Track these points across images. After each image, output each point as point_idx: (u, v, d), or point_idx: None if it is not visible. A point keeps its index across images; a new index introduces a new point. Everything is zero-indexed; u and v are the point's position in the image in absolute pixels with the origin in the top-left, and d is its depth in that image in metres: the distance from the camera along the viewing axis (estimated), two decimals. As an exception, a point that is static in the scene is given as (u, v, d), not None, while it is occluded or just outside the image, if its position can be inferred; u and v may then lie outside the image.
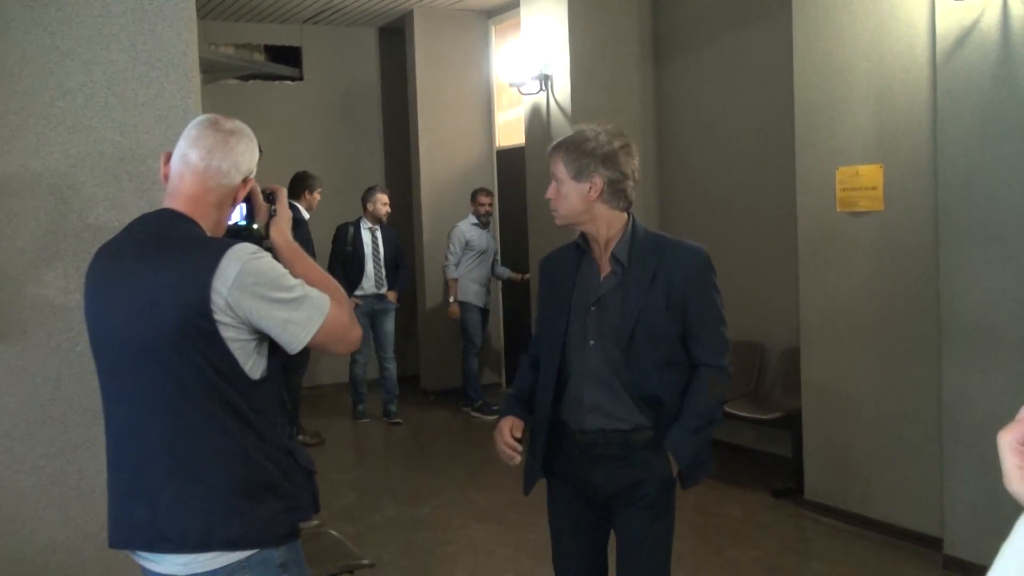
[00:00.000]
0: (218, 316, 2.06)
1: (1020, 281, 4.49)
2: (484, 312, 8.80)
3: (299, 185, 7.63)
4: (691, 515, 5.82)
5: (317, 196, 7.71)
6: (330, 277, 2.35)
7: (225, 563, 2.14)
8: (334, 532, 4.26)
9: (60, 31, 3.00)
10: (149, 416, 2.14)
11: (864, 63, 5.30)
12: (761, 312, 6.88)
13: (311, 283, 2.21)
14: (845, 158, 5.43)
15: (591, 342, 2.83)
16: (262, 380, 2.17)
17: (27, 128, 2.98)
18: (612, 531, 2.98)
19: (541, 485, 3.03)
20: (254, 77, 9.74)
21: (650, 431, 2.85)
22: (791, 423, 6.07)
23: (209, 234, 2.22)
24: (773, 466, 6.61)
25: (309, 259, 2.38)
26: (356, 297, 8.20)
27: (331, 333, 2.18)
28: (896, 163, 5.19)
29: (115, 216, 3.01)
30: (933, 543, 5.04)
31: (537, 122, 7.81)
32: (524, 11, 8.02)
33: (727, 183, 7.17)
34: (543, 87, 7.64)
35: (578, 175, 2.80)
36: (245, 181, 2.27)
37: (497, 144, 9.92)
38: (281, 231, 2.39)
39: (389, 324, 8.50)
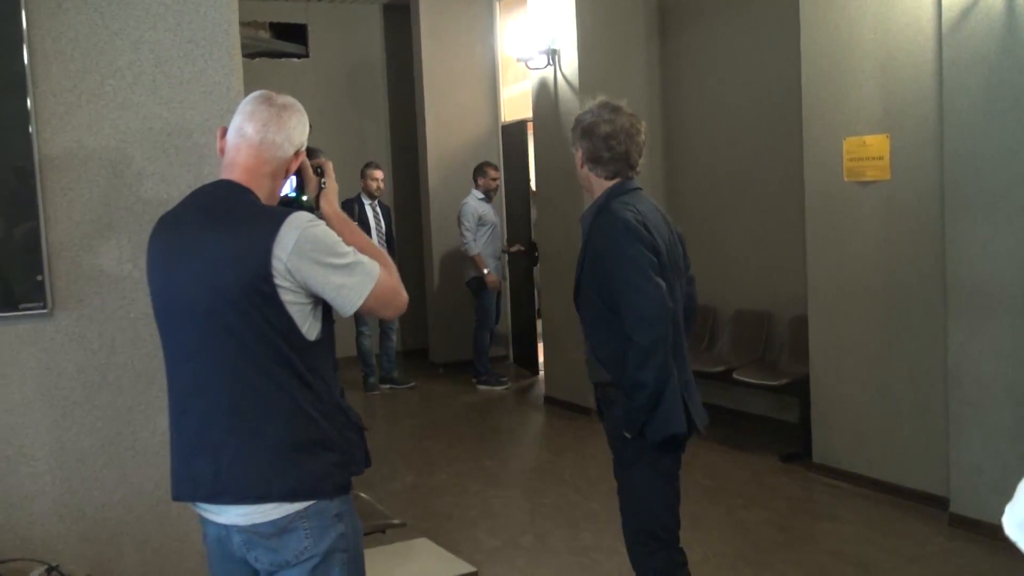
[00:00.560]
0: (278, 280, 2.15)
1: (1024, 246, 4.63)
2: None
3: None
4: (701, 479, 5.99)
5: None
6: (377, 246, 2.43)
7: (284, 514, 2.23)
8: (363, 495, 4.42)
9: (109, 12, 3.13)
10: (212, 375, 2.23)
11: (870, 34, 5.41)
12: (769, 281, 7.00)
13: (361, 251, 2.29)
14: (852, 128, 5.54)
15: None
16: (317, 341, 2.25)
17: (80, 106, 3.11)
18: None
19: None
20: (260, 55, 9.78)
21: (613, 387, 3.12)
22: (799, 389, 6.20)
23: (265, 204, 2.30)
24: (782, 431, 6.75)
25: (358, 229, 2.46)
26: None
27: (381, 298, 2.27)
28: (902, 133, 5.30)
29: (164, 189, 3.15)
30: (939, 502, 5.20)
31: (545, 96, 7.91)
32: (530, -14, 8.08)
33: (735, 154, 7.25)
34: (550, 61, 7.72)
35: (573, 146, 3.27)
36: (297, 154, 2.35)
37: (502, 119, 9.98)
38: (330, 202, 2.46)
39: None
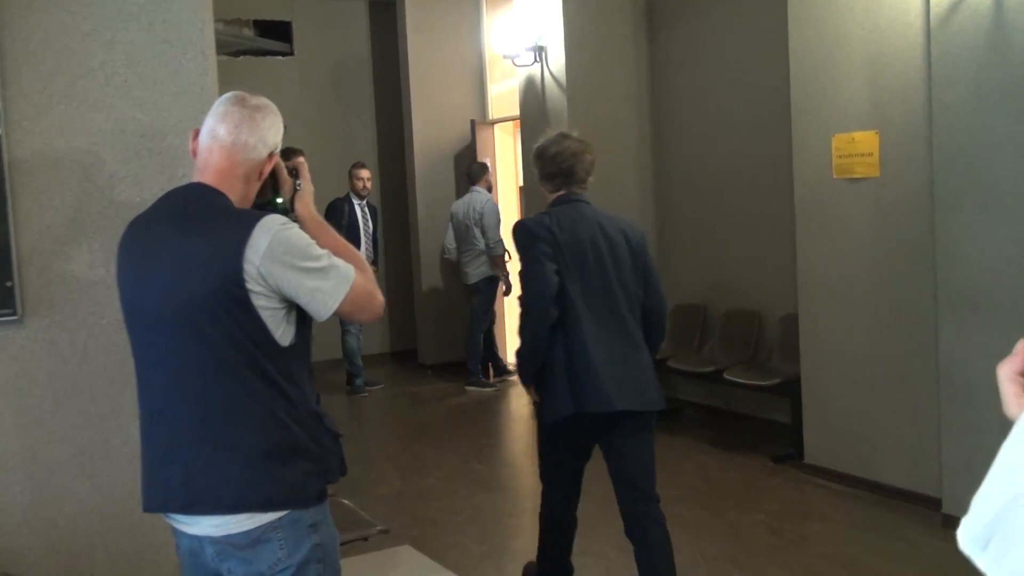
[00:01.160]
0: (250, 285, 2.14)
1: (1014, 244, 4.62)
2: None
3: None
4: (692, 480, 5.98)
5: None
6: (352, 248, 2.43)
7: (257, 524, 2.23)
8: (346, 501, 4.39)
9: (81, 11, 3.10)
10: (184, 382, 2.22)
11: (859, 30, 5.40)
12: (759, 279, 7.00)
13: (335, 254, 2.28)
14: (841, 125, 5.54)
15: None
16: (292, 347, 2.24)
17: (50, 107, 3.08)
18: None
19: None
20: (244, 53, 9.76)
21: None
22: (790, 389, 6.21)
23: (237, 207, 2.30)
24: (773, 432, 6.75)
25: (333, 231, 2.46)
26: None
27: (356, 301, 2.26)
28: (891, 129, 5.30)
29: (137, 192, 3.13)
30: (932, 503, 5.19)
31: (532, 94, 7.89)
32: (517, -18, 8.07)
33: (723, 152, 7.26)
34: (537, 59, 7.71)
35: (534, 168, 3.91)
36: (271, 155, 2.35)
37: (490, 116, 9.97)
38: (305, 204, 2.46)
39: None
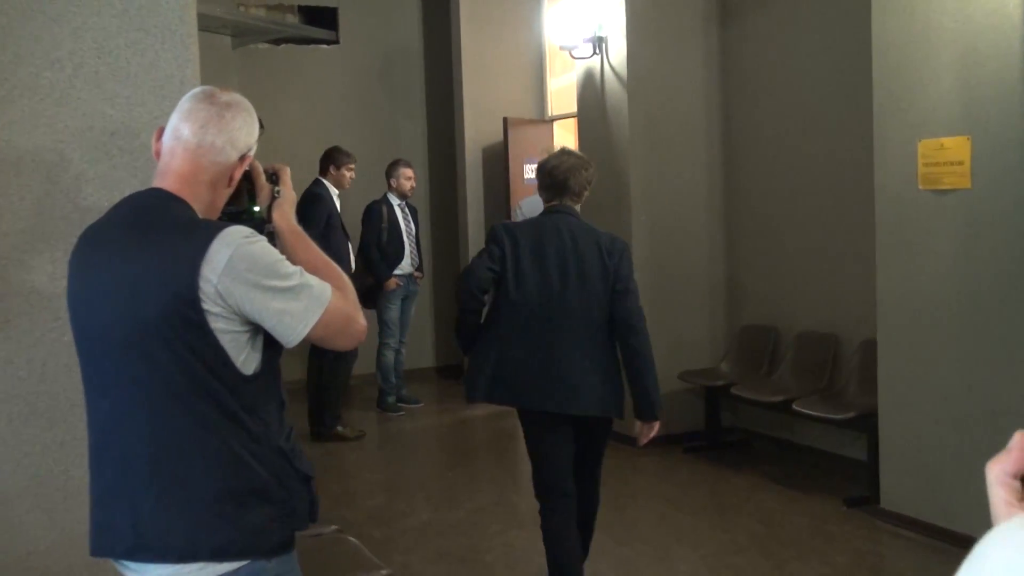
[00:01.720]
0: (207, 305, 2.08)
1: (1123, 269, 4.37)
2: None
3: (324, 161, 7.92)
4: (751, 524, 5.78)
5: (346, 173, 7.93)
6: (334, 265, 2.37)
7: (211, 575, 2.16)
8: (352, 538, 4.28)
9: (46, -5, 3.03)
10: (132, 413, 2.17)
11: (950, 23, 5.21)
12: (835, 300, 6.82)
13: (314, 271, 2.23)
14: (928, 129, 5.35)
15: None
16: (256, 375, 2.19)
17: (11, 101, 3.02)
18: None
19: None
20: (286, 41, 9.81)
21: None
22: (867, 424, 6.00)
23: (201, 216, 2.24)
24: (847, 471, 6.53)
25: (314, 245, 2.40)
26: (397, 277, 8.46)
27: (331, 325, 2.20)
28: (985, 135, 5.10)
29: (106, 196, 3.04)
30: (1022, 560, 4.92)
31: (590, 89, 7.76)
32: (577, -34, 7.94)
33: (799, 156, 7.10)
34: (596, 50, 7.57)
35: None
36: (242, 158, 2.30)
37: (550, 112, 9.91)
38: (284, 214, 2.42)
39: (412, 308, 8.80)
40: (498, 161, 9.64)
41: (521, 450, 7.66)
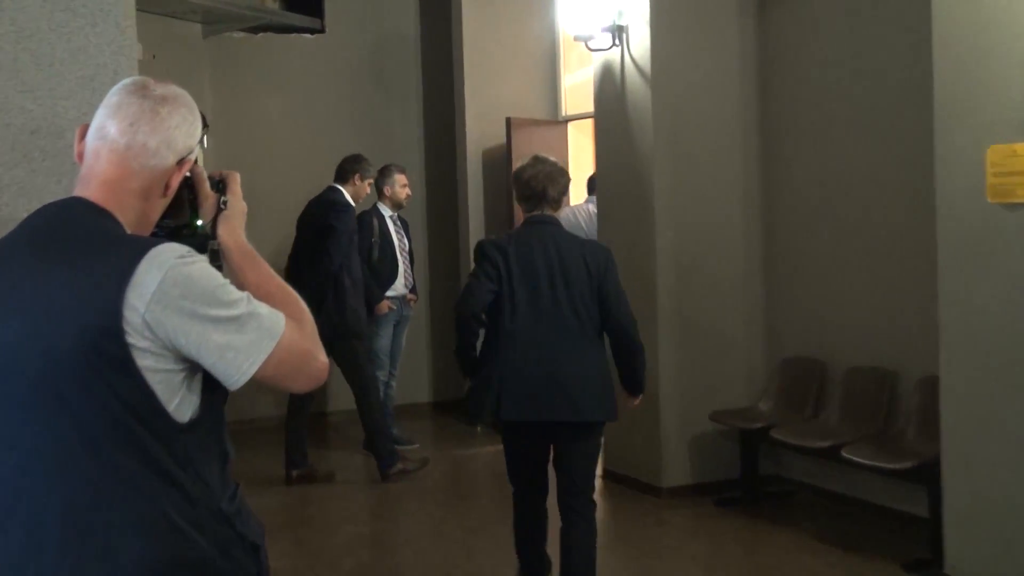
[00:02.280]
0: (132, 339, 2.03)
1: None
2: None
3: (350, 167, 8.04)
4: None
5: (367, 187, 8.13)
6: (290, 291, 2.33)
7: None
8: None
9: (-47, -31, 3.04)
10: (41, 469, 2.11)
11: (1022, 11, 5.16)
12: (891, 330, 6.79)
13: (266, 297, 2.20)
14: (999, 134, 5.29)
15: None
16: (193, 423, 2.14)
17: (-87, 93, 3.02)
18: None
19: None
20: (265, 29, 9.83)
21: None
22: (928, 475, 5.95)
23: (130, 231, 2.19)
24: (905, 529, 6.49)
25: (267, 268, 2.37)
26: (389, 299, 8.55)
27: (285, 363, 2.15)
28: (1065, 140, 5.06)
29: (24, 205, 3.01)
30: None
31: (609, 85, 7.73)
32: (594, -55, 7.94)
33: (847, 163, 7.06)
34: (616, 41, 7.54)
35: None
36: (181, 163, 2.26)
37: (564, 112, 9.94)
38: (232, 229, 2.38)
39: (404, 335, 8.89)
40: (503, 166, 9.60)
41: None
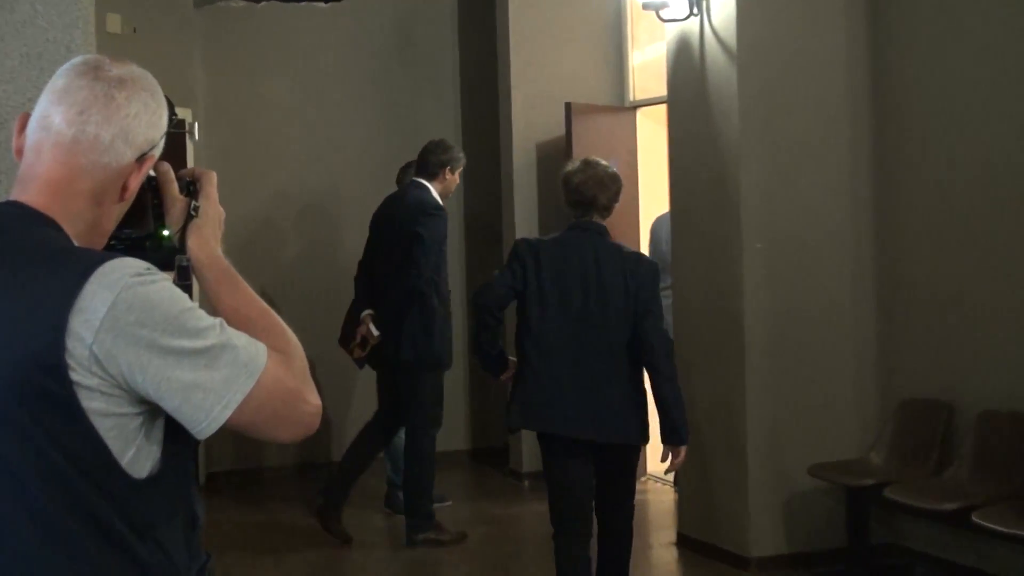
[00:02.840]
0: (77, 376, 2.01)
1: None
2: None
3: (436, 159, 7.92)
4: None
5: (457, 180, 8.12)
6: (276, 317, 2.32)
7: None
8: None
9: None
10: None
11: None
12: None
13: (245, 323, 2.20)
14: None
15: None
16: (152, 480, 2.13)
17: None
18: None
19: None
20: (271, -2, 9.93)
21: None
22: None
23: (78, 243, 2.18)
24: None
25: (246, 287, 2.35)
26: None
27: (267, 406, 2.12)
28: None
29: None
30: None
31: (686, 61, 7.70)
32: None
33: (983, 168, 6.94)
34: (695, 9, 7.50)
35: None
36: (142, 160, 2.24)
37: (631, 97, 9.92)
38: (204, 240, 2.38)
39: None
40: (559, 161, 9.52)
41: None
